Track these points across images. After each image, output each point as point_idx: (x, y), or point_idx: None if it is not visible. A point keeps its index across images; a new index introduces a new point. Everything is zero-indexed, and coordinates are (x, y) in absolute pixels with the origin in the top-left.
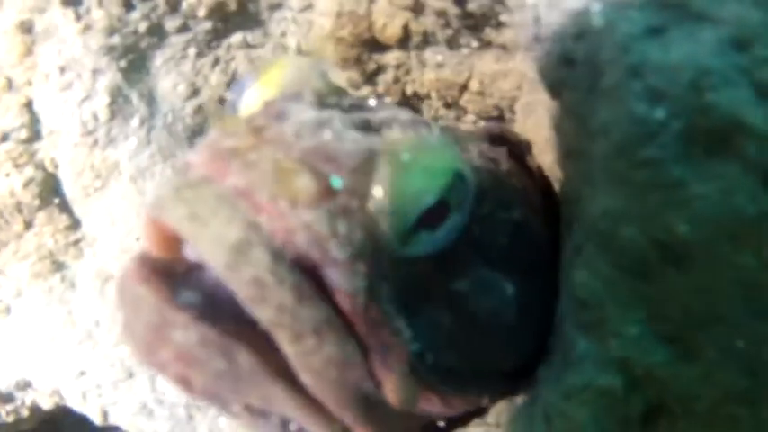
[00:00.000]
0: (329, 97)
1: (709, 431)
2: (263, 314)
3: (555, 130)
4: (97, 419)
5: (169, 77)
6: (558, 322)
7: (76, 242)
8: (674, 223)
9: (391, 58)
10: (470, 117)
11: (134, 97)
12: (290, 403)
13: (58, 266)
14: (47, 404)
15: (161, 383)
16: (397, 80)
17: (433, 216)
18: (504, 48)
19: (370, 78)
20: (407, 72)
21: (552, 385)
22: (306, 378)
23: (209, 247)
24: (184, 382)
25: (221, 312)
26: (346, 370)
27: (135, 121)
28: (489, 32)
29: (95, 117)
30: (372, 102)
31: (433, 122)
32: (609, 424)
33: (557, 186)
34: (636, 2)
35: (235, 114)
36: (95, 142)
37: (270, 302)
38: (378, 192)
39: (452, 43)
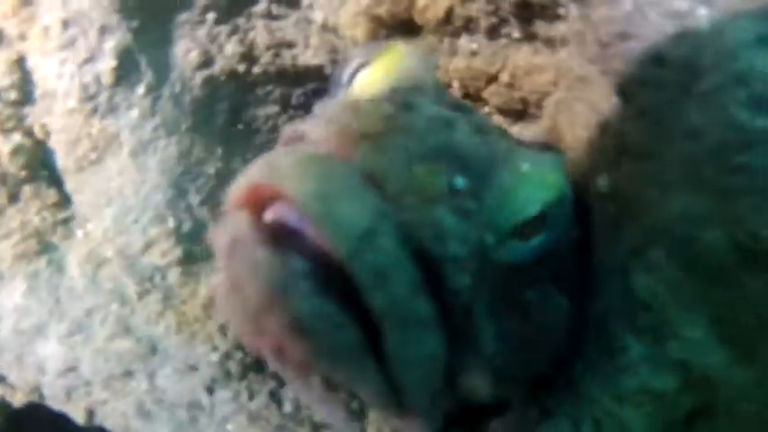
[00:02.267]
0: (443, 94)
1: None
2: (378, 302)
3: (607, 129)
4: (80, 419)
5: (182, 42)
6: (597, 324)
7: (66, 221)
8: (762, 229)
9: (421, 42)
10: (486, 109)
11: (143, 62)
12: (373, 385)
13: (45, 247)
14: (19, 401)
15: (161, 381)
16: None
17: (529, 226)
18: (548, 41)
19: None
20: None
21: (600, 388)
22: (395, 363)
23: (337, 231)
24: (278, 352)
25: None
26: (434, 363)
27: (140, 89)
28: (539, 24)
29: (98, 81)
30: (469, 103)
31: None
32: (657, 425)
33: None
34: (746, 11)
35: (343, 92)
36: (95, 109)
37: (386, 292)
38: (495, 196)
39: (493, 32)
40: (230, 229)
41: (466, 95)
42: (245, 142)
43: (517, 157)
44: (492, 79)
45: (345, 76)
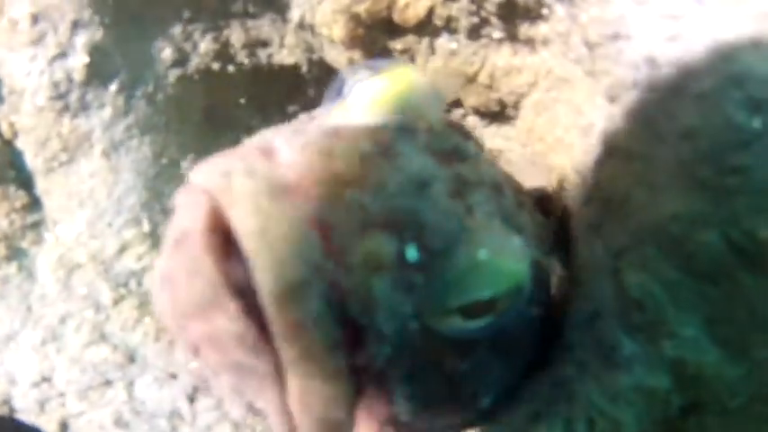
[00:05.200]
0: (437, 138)
1: (736, 427)
2: (288, 353)
3: (591, 130)
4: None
5: (156, 39)
6: (586, 325)
7: (35, 225)
8: (758, 228)
9: (399, 42)
10: (460, 111)
11: (116, 59)
12: (273, 410)
13: (15, 253)
14: None
15: (140, 391)
16: None
17: (475, 309)
18: (529, 42)
19: None
20: (411, 58)
21: (594, 387)
22: (294, 406)
23: (267, 274)
24: (196, 353)
25: (257, 311)
26: (333, 412)
27: (113, 87)
28: (520, 24)
29: (69, 78)
30: (471, 148)
31: (508, 189)
32: (650, 423)
33: (569, 187)
34: (742, 12)
35: (340, 100)
36: (65, 108)
37: (299, 346)
38: (446, 275)
39: (473, 32)
40: (182, 219)
41: None
42: (219, 143)
43: (482, 239)
44: (470, 80)
45: (347, 89)
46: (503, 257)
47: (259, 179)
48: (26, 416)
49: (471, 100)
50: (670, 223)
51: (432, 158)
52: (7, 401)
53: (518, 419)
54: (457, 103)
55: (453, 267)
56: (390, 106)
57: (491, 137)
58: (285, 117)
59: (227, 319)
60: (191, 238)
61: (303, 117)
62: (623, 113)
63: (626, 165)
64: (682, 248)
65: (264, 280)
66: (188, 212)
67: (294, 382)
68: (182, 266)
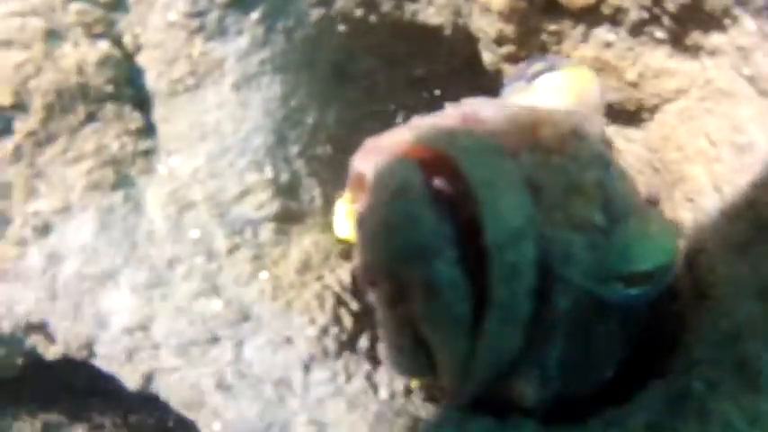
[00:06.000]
0: (604, 132)
1: None
2: (500, 293)
3: (752, 147)
4: (133, 384)
5: None
6: (724, 342)
7: (147, 153)
8: None
9: (554, 24)
10: None
11: None
12: (456, 355)
13: (123, 180)
14: (53, 354)
15: (249, 352)
16: (542, 46)
17: (637, 278)
18: (692, 48)
19: (520, 38)
20: (558, 41)
21: (731, 407)
22: (482, 344)
23: (494, 220)
24: (399, 301)
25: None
26: (509, 357)
27: (255, 14)
28: (692, 30)
29: None
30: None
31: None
32: None
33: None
34: None
35: (524, 84)
36: (201, 27)
37: (510, 288)
38: (620, 241)
39: (636, 28)
40: (397, 169)
41: None
42: (340, 93)
43: (649, 215)
44: (616, 74)
45: (529, 74)
46: (665, 234)
47: (480, 140)
48: (107, 363)
49: (610, 96)
50: None
51: (603, 145)
52: (89, 345)
53: (635, 426)
54: None
55: (628, 235)
56: (572, 96)
57: (612, 135)
58: (409, 79)
59: (445, 265)
60: (413, 190)
61: (469, 100)
62: None
63: None
64: None
65: (491, 223)
66: (403, 164)
67: (493, 325)
68: (401, 215)
